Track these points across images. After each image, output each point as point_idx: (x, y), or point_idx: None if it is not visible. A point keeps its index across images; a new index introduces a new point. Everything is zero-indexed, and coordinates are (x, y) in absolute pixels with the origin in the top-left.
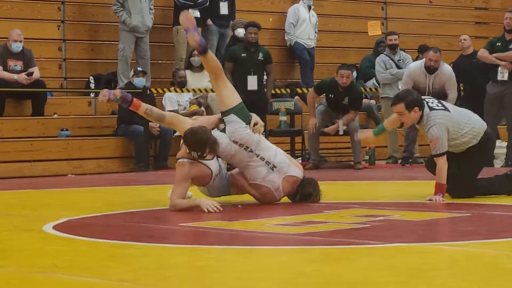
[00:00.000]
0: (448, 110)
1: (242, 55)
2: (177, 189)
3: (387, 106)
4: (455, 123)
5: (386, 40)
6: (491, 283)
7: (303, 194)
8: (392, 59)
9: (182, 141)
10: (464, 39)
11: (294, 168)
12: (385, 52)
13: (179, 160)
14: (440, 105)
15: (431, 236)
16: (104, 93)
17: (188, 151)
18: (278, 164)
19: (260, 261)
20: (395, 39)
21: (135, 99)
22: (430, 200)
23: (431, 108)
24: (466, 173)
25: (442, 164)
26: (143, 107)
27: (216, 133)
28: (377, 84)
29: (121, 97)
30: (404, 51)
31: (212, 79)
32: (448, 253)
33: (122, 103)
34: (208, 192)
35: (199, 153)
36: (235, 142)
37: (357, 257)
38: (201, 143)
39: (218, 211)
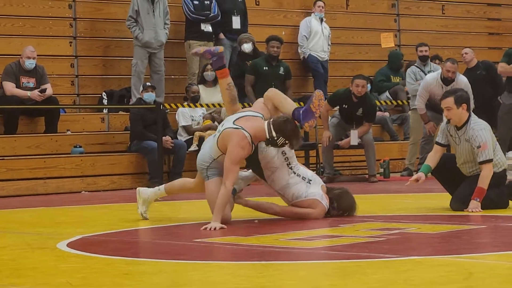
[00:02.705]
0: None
1: (264, 68)
2: (231, 175)
3: (417, 118)
4: (493, 141)
5: (417, 51)
6: None
7: (342, 207)
8: (422, 70)
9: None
10: (466, 53)
11: (320, 179)
12: (415, 64)
13: (247, 137)
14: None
15: (447, 248)
16: (204, 47)
17: (274, 135)
18: (312, 177)
19: (276, 276)
20: (426, 50)
21: (226, 68)
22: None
23: (477, 118)
24: (471, 188)
25: (489, 171)
26: (230, 79)
27: (262, 145)
28: (390, 97)
29: (220, 53)
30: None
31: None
32: (463, 266)
33: (216, 62)
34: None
35: (286, 140)
36: (283, 153)
37: (372, 271)
38: (297, 133)
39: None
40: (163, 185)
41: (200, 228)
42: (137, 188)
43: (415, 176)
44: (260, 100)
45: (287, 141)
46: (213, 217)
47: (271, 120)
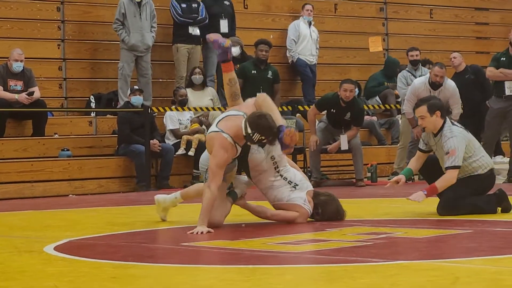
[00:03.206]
0: (467, 132)
1: (252, 72)
2: (216, 178)
3: (406, 122)
4: (472, 145)
5: (407, 56)
6: None
7: (326, 214)
8: (413, 75)
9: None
10: (454, 57)
11: (310, 184)
12: (407, 68)
13: (227, 138)
14: (461, 126)
15: (434, 253)
16: (217, 34)
17: (249, 132)
18: (299, 182)
19: (263, 280)
20: (417, 55)
21: (231, 62)
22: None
23: (453, 123)
24: (458, 192)
25: (451, 178)
26: (233, 75)
27: (255, 146)
28: (379, 101)
29: (226, 48)
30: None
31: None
32: (450, 270)
33: (221, 55)
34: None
35: (263, 137)
36: (272, 157)
37: (359, 275)
38: (272, 129)
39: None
40: (179, 192)
41: (187, 232)
42: (155, 197)
43: (395, 178)
44: (251, 99)
45: (262, 137)
46: (199, 221)
47: (247, 117)
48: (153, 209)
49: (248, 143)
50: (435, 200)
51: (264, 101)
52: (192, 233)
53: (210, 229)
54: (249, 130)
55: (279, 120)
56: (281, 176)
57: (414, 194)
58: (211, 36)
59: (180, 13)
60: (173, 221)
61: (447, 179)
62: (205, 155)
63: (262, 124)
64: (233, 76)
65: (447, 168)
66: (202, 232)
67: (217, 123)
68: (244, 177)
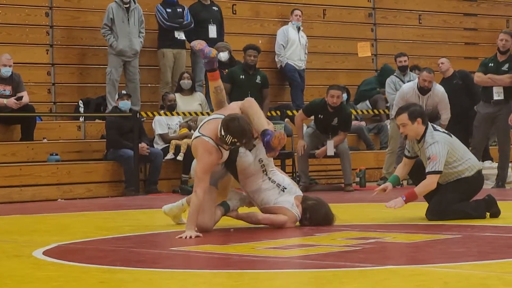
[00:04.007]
0: (451, 136)
1: (241, 77)
2: (202, 183)
3: (395, 127)
4: (455, 149)
5: (395, 62)
6: None
7: (314, 219)
8: (402, 80)
9: (207, 121)
10: (442, 63)
11: (299, 189)
12: (395, 74)
13: (208, 142)
14: (445, 130)
15: (423, 258)
16: (202, 43)
17: (223, 134)
18: (288, 186)
19: (252, 285)
20: (405, 61)
21: (218, 71)
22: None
23: (435, 129)
24: (446, 197)
25: (431, 183)
26: (219, 83)
27: (242, 149)
28: (370, 106)
29: (212, 58)
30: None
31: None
32: (439, 275)
33: (207, 64)
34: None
35: (235, 140)
36: (260, 161)
37: (348, 280)
38: (244, 132)
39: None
40: (184, 199)
41: (176, 237)
42: (163, 208)
43: (382, 185)
44: (235, 103)
45: (234, 140)
46: (186, 225)
47: (222, 119)
48: (142, 214)
49: (225, 146)
50: (424, 205)
51: (250, 107)
52: (181, 237)
53: (198, 234)
54: (223, 133)
55: (265, 124)
56: (269, 178)
57: (392, 200)
58: (197, 45)
59: (166, 18)
60: (162, 225)
61: (427, 185)
62: (194, 162)
63: (233, 126)
64: (219, 84)
65: (427, 173)
66: (190, 237)
67: (199, 128)
68: (240, 194)
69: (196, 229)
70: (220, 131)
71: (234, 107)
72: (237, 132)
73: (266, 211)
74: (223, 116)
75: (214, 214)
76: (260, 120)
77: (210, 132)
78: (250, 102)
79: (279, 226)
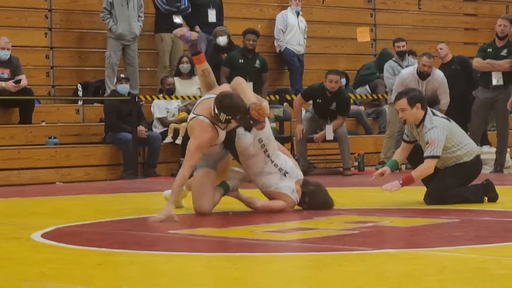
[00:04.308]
0: (450, 121)
1: (240, 61)
2: (192, 160)
3: (393, 111)
4: (454, 134)
5: (394, 47)
6: None
7: (313, 204)
8: (400, 65)
9: (201, 99)
10: (441, 48)
11: (300, 172)
12: (393, 58)
13: (203, 120)
14: (444, 115)
15: (420, 242)
16: (183, 29)
17: (216, 112)
18: (289, 170)
19: (250, 268)
20: (403, 46)
21: (202, 54)
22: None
23: (434, 114)
24: (445, 181)
25: (429, 167)
26: (206, 66)
27: (241, 130)
28: (369, 91)
29: (194, 41)
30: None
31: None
32: (437, 259)
33: (191, 48)
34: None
35: (229, 117)
36: (260, 140)
37: (346, 263)
38: (237, 107)
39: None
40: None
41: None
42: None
43: (380, 170)
44: (226, 84)
45: (229, 117)
46: (167, 203)
47: (214, 98)
48: (140, 197)
49: (220, 125)
50: (422, 190)
51: (238, 84)
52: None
53: (173, 214)
54: (216, 111)
55: (251, 98)
56: (272, 161)
57: (388, 183)
58: (178, 33)
59: (165, 2)
60: (160, 208)
61: (424, 169)
62: None
63: (226, 103)
64: (206, 67)
65: (425, 158)
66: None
67: (194, 109)
68: (240, 171)
69: (174, 207)
70: (214, 109)
71: (224, 87)
72: (230, 109)
73: (266, 195)
74: (213, 96)
75: (213, 197)
76: (246, 95)
77: (205, 112)
78: (238, 81)
79: (278, 212)
